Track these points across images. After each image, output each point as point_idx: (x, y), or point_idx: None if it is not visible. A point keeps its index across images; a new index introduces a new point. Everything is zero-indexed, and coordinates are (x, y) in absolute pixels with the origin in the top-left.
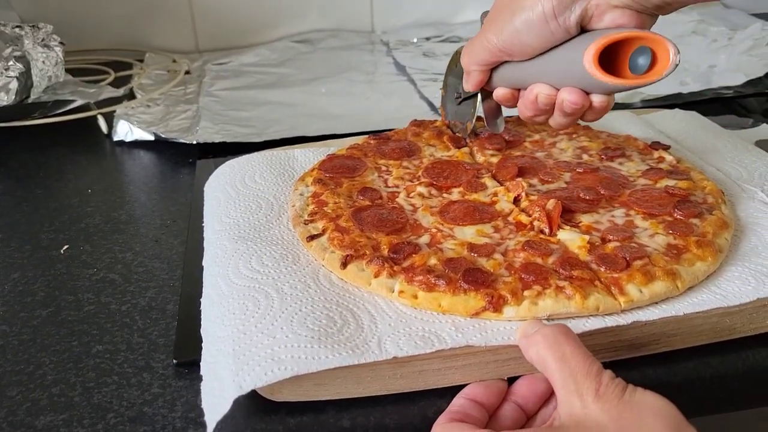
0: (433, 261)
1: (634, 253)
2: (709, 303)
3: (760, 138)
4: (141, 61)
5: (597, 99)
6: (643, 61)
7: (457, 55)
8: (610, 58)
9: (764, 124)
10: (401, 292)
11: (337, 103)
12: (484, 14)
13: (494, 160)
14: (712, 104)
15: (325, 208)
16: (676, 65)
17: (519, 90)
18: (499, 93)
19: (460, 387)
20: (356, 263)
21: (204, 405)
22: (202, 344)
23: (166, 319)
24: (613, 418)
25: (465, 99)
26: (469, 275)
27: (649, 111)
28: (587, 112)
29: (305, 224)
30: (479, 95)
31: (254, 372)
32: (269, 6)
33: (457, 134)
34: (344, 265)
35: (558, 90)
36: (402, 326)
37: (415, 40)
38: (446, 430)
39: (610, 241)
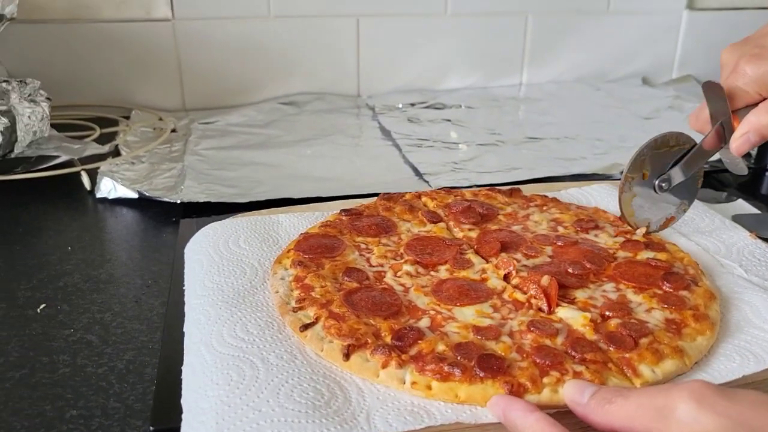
0: (441, 347)
1: (639, 331)
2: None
3: (736, 212)
4: (127, 118)
5: None
6: None
7: (640, 157)
8: None
9: (740, 200)
10: (414, 383)
11: (322, 165)
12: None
13: (472, 234)
14: None
15: (312, 293)
16: None
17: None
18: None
19: None
20: (359, 353)
21: None
22: (183, 414)
23: (144, 383)
24: (731, 417)
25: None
26: (483, 362)
27: None
28: None
29: (294, 311)
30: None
31: None
32: (257, 68)
33: (638, 229)
34: (347, 356)
35: None
36: (390, 400)
37: (400, 106)
38: None
39: (610, 318)
